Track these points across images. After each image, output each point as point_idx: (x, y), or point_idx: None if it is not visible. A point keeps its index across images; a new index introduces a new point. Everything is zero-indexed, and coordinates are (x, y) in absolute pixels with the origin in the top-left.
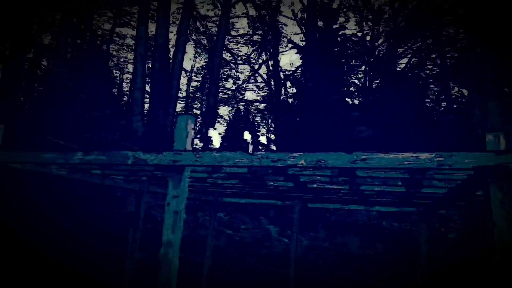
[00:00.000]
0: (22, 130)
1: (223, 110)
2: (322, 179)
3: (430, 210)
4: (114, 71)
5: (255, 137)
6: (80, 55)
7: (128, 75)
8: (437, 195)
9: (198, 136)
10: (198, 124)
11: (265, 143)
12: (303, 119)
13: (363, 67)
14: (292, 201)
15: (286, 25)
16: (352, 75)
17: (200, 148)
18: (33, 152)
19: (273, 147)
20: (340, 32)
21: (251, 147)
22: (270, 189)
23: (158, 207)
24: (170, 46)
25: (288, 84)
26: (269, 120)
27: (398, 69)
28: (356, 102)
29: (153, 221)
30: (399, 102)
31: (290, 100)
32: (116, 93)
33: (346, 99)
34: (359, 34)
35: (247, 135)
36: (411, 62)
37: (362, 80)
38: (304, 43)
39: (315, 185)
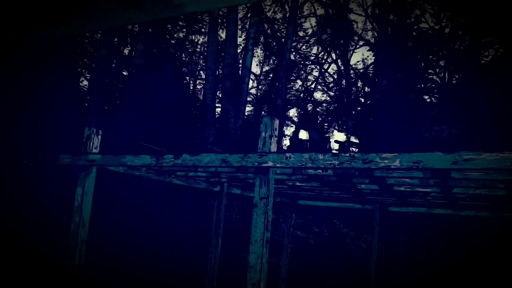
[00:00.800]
0: (112, 135)
1: (292, 112)
2: (411, 181)
3: None
4: (187, 77)
5: (323, 138)
6: (155, 63)
7: (201, 81)
8: None
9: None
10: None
11: (336, 144)
12: (376, 118)
13: (441, 62)
14: (373, 205)
15: (356, 22)
16: (430, 71)
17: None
18: (129, 156)
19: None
20: (415, 26)
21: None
22: (351, 192)
23: (232, 208)
24: (239, 50)
25: (359, 83)
26: (340, 121)
27: (482, 62)
28: (434, 99)
29: (228, 221)
30: (483, 98)
31: (362, 99)
32: (189, 99)
33: (424, 96)
34: (437, 27)
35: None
36: (498, 54)
37: (441, 75)
38: (375, 39)
39: (402, 188)
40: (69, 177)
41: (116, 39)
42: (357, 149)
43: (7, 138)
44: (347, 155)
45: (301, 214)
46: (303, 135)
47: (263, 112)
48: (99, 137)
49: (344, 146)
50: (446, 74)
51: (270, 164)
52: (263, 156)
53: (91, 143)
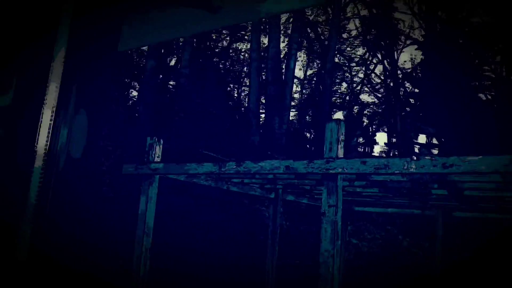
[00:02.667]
0: (166, 144)
1: (338, 115)
2: (488, 185)
3: None
4: (230, 84)
5: (370, 141)
6: (200, 72)
7: (245, 88)
8: None
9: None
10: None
11: (384, 146)
12: (426, 119)
13: (498, 57)
14: (435, 210)
15: (402, 20)
16: (485, 67)
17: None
18: (193, 164)
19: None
20: (466, 21)
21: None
22: (414, 197)
23: (286, 214)
24: (282, 55)
25: (407, 83)
26: (388, 124)
27: None
28: (490, 97)
29: (281, 228)
30: None
31: (412, 100)
32: (233, 106)
33: (479, 94)
34: (490, 21)
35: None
36: None
37: (498, 71)
38: (423, 37)
39: (475, 193)
40: (127, 186)
41: (162, 50)
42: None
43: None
44: (427, 158)
45: (351, 220)
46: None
47: (307, 117)
48: (161, 146)
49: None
50: (504, 69)
51: (339, 170)
52: (330, 162)
53: (153, 152)
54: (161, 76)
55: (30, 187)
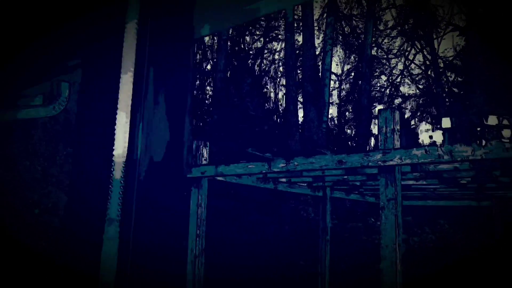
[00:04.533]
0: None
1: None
2: None
3: None
4: (267, 86)
5: (412, 134)
6: (236, 75)
7: (282, 87)
8: None
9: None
10: None
11: (430, 140)
12: (471, 109)
13: None
14: (492, 201)
15: (440, 6)
16: None
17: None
18: (242, 163)
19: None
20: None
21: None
22: (470, 188)
23: (332, 213)
24: (317, 52)
25: (449, 73)
26: (429, 116)
27: None
28: None
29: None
30: None
31: (456, 89)
32: (271, 107)
33: None
34: None
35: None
36: None
37: None
38: (465, 22)
39: None
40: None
41: (198, 54)
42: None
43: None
44: (494, 142)
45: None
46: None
47: (347, 113)
48: (207, 148)
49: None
50: None
51: (397, 161)
52: (387, 153)
53: (201, 155)
54: (197, 82)
55: (110, 203)
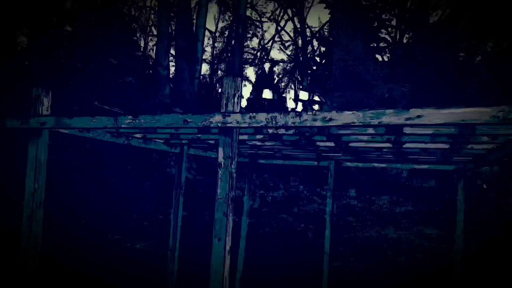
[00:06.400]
0: (64, 95)
1: (250, 71)
2: (365, 138)
3: (470, 167)
4: (137, 34)
5: (279, 97)
6: (102, 20)
7: (152, 38)
8: (480, 152)
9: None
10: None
11: (293, 103)
12: (332, 78)
13: (393, 21)
14: (327, 161)
15: None
16: (383, 30)
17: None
18: (86, 117)
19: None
20: None
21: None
22: (309, 150)
23: (191, 169)
24: (192, 6)
25: (315, 42)
26: (296, 81)
27: (431, 22)
28: (386, 59)
29: (190, 182)
30: (432, 57)
31: (318, 59)
32: (140, 58)
33: (376, 55)
34: None
35: (268, 94)
36: (444, 14)
37: (393, 35)
38: None
39: (356, 144)
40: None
41: None
42: (317, 108)
43: None
44: (309, 113)
45: (258, 173)
46: (268, 94)
47: (219, 72)
48: (49, 98)
49: (305, 104)
50: (398, 33)
51: (234, 124)
52: (227, 116)
53: (41, 105)
54: (54, 19)
55: None
